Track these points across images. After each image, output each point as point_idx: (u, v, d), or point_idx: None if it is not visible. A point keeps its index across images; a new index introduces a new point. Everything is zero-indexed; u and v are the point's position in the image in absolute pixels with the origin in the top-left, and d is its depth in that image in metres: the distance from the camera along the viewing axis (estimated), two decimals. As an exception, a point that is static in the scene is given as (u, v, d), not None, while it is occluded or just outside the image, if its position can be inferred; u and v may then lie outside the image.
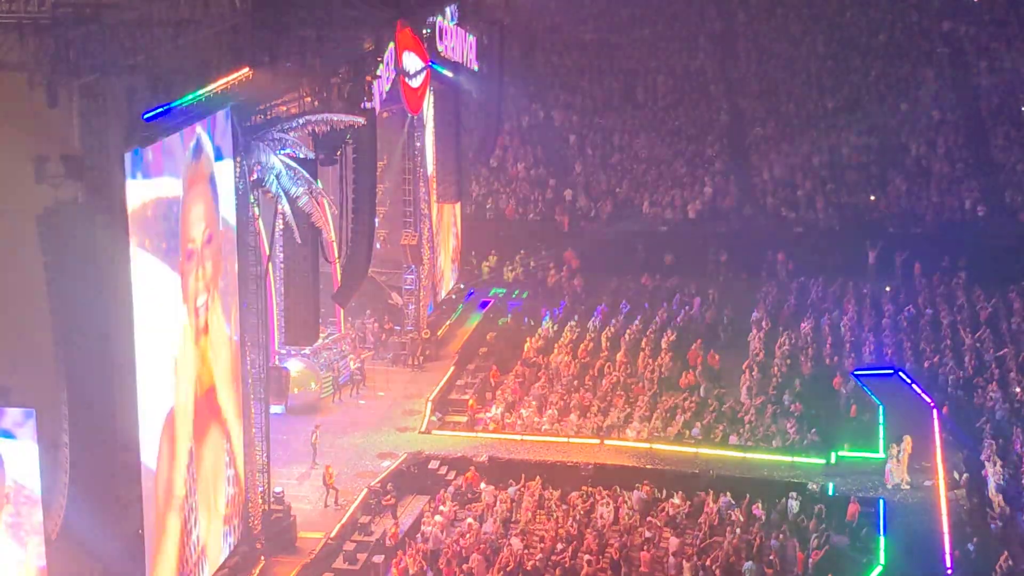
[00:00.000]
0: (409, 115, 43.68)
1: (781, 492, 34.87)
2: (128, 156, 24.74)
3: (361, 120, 33.49)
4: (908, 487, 35.37)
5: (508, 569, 31.44)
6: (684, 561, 31.78)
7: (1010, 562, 31.25)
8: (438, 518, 33.98)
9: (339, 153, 33.95)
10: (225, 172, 30.29)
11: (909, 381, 41.48)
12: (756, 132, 58.80)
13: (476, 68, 47.47)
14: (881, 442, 37.60)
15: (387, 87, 38.51)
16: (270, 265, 33.74)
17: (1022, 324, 45.34)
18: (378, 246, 41.30)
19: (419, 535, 33.54)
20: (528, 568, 31.69)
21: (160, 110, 24.96)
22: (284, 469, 35.65)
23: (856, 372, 42.09)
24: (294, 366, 40.22)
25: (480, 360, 44.97)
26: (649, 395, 41.11)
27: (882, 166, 56.26)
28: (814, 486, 35.15)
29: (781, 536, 32.86)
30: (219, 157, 29.87)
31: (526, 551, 32.39)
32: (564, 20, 65.39)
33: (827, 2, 64.36)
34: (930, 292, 48.93)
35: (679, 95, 61.22)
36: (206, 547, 29.87)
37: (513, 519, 34.39)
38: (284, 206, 31.78)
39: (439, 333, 47.26)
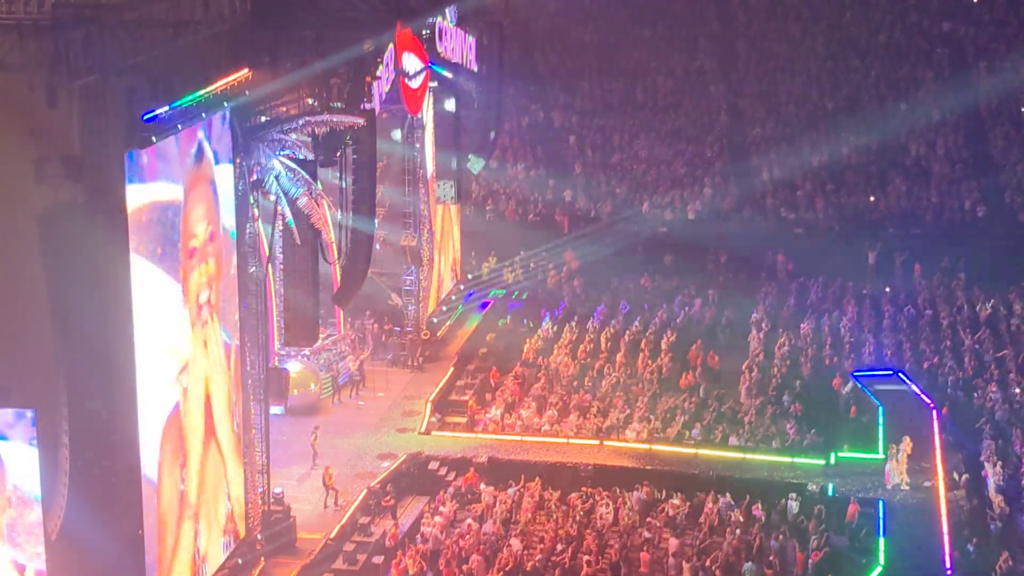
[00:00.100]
0: (409, 116, 43.68)
1: (781, 493, 34.87)
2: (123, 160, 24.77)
3: (361, 121, 33.48)
4: (908, 488, 35.38)
5: (508, 569, 31.44)
6: (684, 562, 31.78)
7: (1010, 563, 31.25)
8: (438, 519, 33.98)
9: (339, 154, 33.94)
10: (225, 176, 30.31)
11: (909, 382, 41.51)
12: (756, 133, 58.84)
13: (476, 69, 47.46)
14: (881, 443, 37.60)
15: (387, 88, 38.49)
16: (270, 266, 33.72)
17: (1022, 325, 45.34)
18: (378, 247, 41.26)
19: (419, 536, 33.54)
20: (528, 569, 31.69)
21: (160, 111, 24.96)
22: (284, 470, 35.63)
23: (856, 373, 42.11)
24: (294, 367, 40.19)
25: (480, 361, 44.94)
26: (649, 396, 41.11)
27: (882, 167, 56.31)
28: (814, 487, 35.14)
29: (781, 537, 32.85)
30: (218, 161, 29.89)
31: (526, 552, 32.38)
32: (564, 21, 65.41)
33: (827, 3, 64.41)
34: (930, 293, 48.93)
35: (679, 96, 61.29)
36: (207, 553, 29.92)
37: (513, 520, 34.39)
38: (284, 207, 31.78)
39: (439, 334, 47.28)
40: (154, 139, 24.88)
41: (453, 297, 50.88)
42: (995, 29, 61.78)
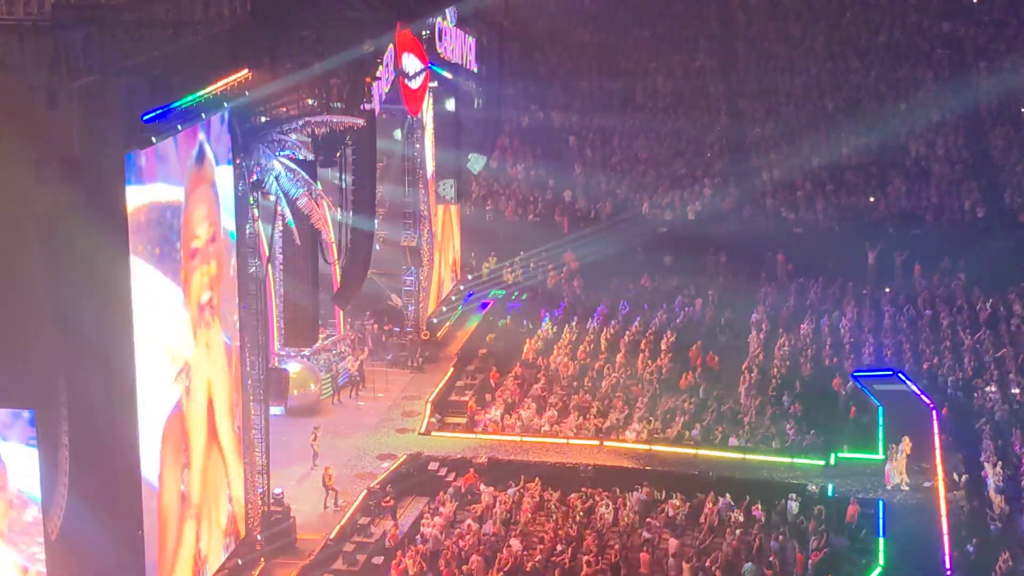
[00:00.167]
0: (409, 116, 43.69)
1: (781, 493, 34.87)
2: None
3: (360, 121, 33.51)
4: (907, 488, 35.38)
5: (507, 570, 31.45)
6: (684, 562, 31.78)
7: (1010, 563, 31.25)
8: (438, 519, 33.98)
9: (338, 154, 33.95)
10: (225, 177, 30.32)
11: (908, 382, 41.53)
12: (755, 133, 58.85)
13: (476, 69, 47.48)
14: (880, 443, 37.61)
15: (386, 88, 38.51)
16: (270, 266, 33.73)
17: (1021, 325, 45.35)
18: (377, 247, 41.29)
19: (419, 536, 33.53)
20: (527, 569, 31.69)
21: (160, 111, 24.96)
22: (284, 471, 35.61)
23: (856, 373, 42.12)
24: (293, 367, 40.19)
25: (480, 361, 44.95)
26: (648, 396, 41.11)
27: (882, 167, 56.31)
28: (814, 487, 35.14)
29: (781, 537, 32.86)
30: (218, 162, 29.89)
31: (526, 552, 32.38)
32: (563, 21, 65.46)
33: (827, 3, 64.42)
34: (929, 293, 48.95)
35: (679, 96, 61.30)
36: (208, 554, 29.95)
37: (513, 520, 34.39)
38: (283, 207, 31.79)
39: (438, 335, 47.28)
40: (154, 140, 24.89)
41: (453, 298, 50.88)
42: (995, 29, 61.83)
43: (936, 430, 38.27)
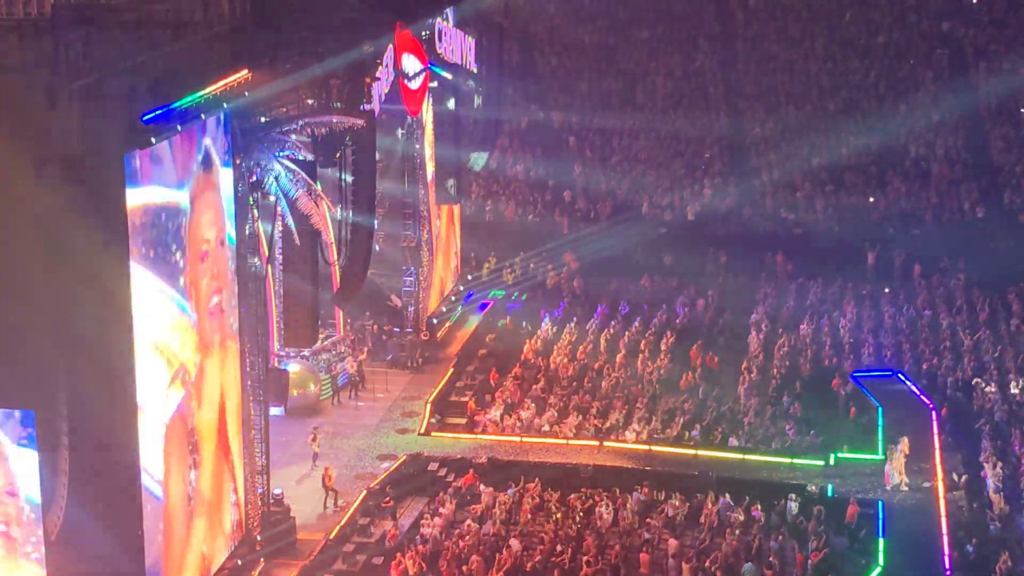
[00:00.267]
0: (408, 116, 43.70)
1: (780, 493, 34.88)
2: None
3: (360, 122, 33.50)
4: (907, 488, 35.38)
5: (507, 570, 31.44)
6: (684, 563, 31.77)
7: (1009, 563, 31.23)
8: (437, 520, 33.98)
9: (338, 155, 33.94)
10: (226, 179, 30.31)
11: (908, 383, 41.54)
12: (755, 133, 58.87)
13: (475, 70, 47.50)
14: (880, 444, 37.62)
15: (386, 89, 38.52)
16: (269, 267, 33.72)
17: (1021, 325, 45.35)
18: (377, 248, 41.29)
19: (418, 536, 33.53)
20: (527, 569, 31.68)
21: (159, 112, 24.96)
22: (284, 471, 35.64)
23: (855, 374, 42.13)
24: (293, 368, 40.19)
25: (479, 362, 44.97)
26: (648, 397, 41.11)
27: (881, 167, 56.33)
28: (813, 487, 35.14)
29: (780, 537, 32.86)
30: (221, 165, 29.89)
31: (525, 552, 32.37)
32: (563, 22, 65.49)
33: (827, 3, 64.43)
34: (929, 293, 48.96)
35: (678, 97, 61.31)
36: (212, 555, 29.99)
37: (512, 521, 34.39)
38: (283, 208, 31.79)
39: (438, 335, 47.28)
40: (153, 140, 24.88)
41: (453, 298, 50.89)
42: (995, 30, 61.81)
43: (935, 430, 38.28)
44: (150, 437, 26.34)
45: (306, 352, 40.93)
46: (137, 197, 25.72)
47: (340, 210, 35.83)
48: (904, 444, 36.15)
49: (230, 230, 30.60)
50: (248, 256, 31.46)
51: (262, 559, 31.79)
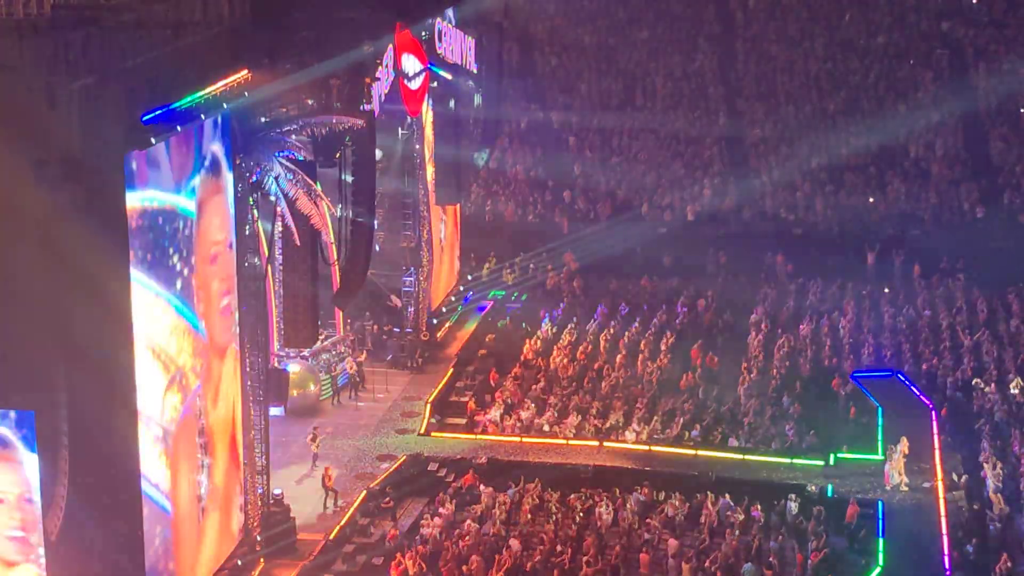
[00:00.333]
0: (408, 116, 43.69)
1: (780, 494, 34.88)
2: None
3: (360, 122, 33.48)
4: (907, 489, 35.38)
5: (507, 570, 31.44)
6: (683, 563, 31.77)
7: (1009, 563, 31.24)
8: (437, 520, 33.96)
9: (338, 155, 33.93)
10: (228, 181, 30.29)
11: (908, 383, 41.52)
12: (755, 134, 58.87)
13: (475, 70, 47.49)
14: (880, 444, 37.62)
15: (386, 89, 38.52)
16: (269, 267, 33.72)
17: (1020, 326, 45.35)
18: (377, 248, 41.26)
19: (418, 537, 33.52)
20: (527, 569, 31.67)
21: (159, 112, 24.96)
22: (283, 471, 35.64)
23: (855, 374, 42.13)
24: (293, 368, 40.17)
25: (479, 362, 44.95)
26: (648, 397, 41.11)
27: (881, 168, 56.33)
28: (813, 488, 35.15)
29: (780, 538, 32.87)
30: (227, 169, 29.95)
31: (525, 553, 32.36)
32: (563, 22, 65.48)
33: (826, 4, 64.44)
34: (929, 294, 48.96)
35: (678, 97, 61.31)
36: (221, 558, 30.01)
37: (512, 521, 34.39)
38: (283, 208, 31.78)
39: (438, 335, 47.26)
40: (153, 140, 24.89)
41: (452, 298, 50.87)
42: (995, 30, 61.82)
43: (935, 431, 38.28)
44: (152, 440, 26.32)
45: (306, 352, 40.91)
46: (134, 200, 25.67)
47: (340, 210, 35.82)
48: (904, 444, 36.15)
49: (230, 230, 30.59)
50: (248, 256, 31.46)
51: (262, 559, 31.80)
